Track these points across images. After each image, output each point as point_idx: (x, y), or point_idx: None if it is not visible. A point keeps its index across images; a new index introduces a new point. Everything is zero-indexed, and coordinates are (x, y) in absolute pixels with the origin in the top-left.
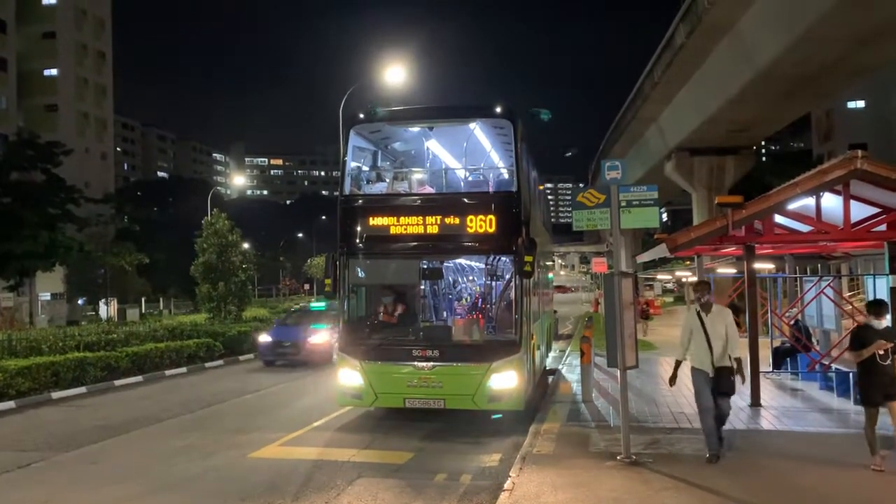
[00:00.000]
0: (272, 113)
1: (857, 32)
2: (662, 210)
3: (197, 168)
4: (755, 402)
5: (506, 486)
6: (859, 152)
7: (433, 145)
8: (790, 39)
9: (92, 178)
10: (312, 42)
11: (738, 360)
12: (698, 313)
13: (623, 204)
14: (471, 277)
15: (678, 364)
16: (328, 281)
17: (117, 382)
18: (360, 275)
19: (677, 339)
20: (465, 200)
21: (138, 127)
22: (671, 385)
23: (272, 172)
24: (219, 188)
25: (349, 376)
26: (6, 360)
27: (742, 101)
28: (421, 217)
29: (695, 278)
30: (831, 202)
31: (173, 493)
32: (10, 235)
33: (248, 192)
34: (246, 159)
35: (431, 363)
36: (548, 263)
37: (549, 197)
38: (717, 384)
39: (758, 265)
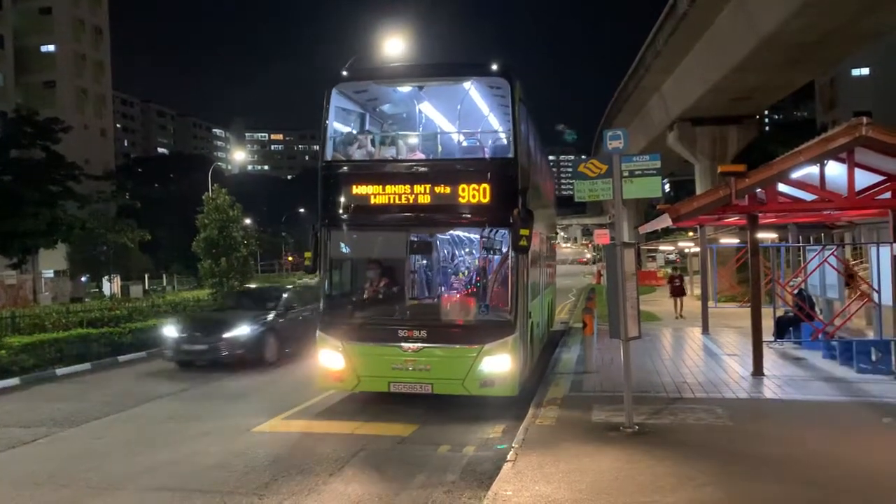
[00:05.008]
0: (272, 87)
1: None
2: (665, 181)
3: (197, 144)
4: (758, 371)
5: (508, 457)
6: (864, 119)
7: (426, 108)
8: (794, 5)
9: (92, 154)
10: (312, 15)
11: None
12: None
13: (625, 174)
14: (467, 250)
15: None
16: (308, 255)
17: (121, 358)
18: (343, 249)
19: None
20: (457, 167)
21: (138, 103)
22: None
23: (273, 147)
24: (219, 164)
25: (330, 358)
26: (10, 337)
27: (746, 70)
28: (409, 185)
29: (697, 249)
30: (835, 170)
31: (178, 467)
32: (12, 213)
33: (249, 167)
34: (246, 134)
35: (418, 344)
36: (551, 236)
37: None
38: None
39: (761, 234)
